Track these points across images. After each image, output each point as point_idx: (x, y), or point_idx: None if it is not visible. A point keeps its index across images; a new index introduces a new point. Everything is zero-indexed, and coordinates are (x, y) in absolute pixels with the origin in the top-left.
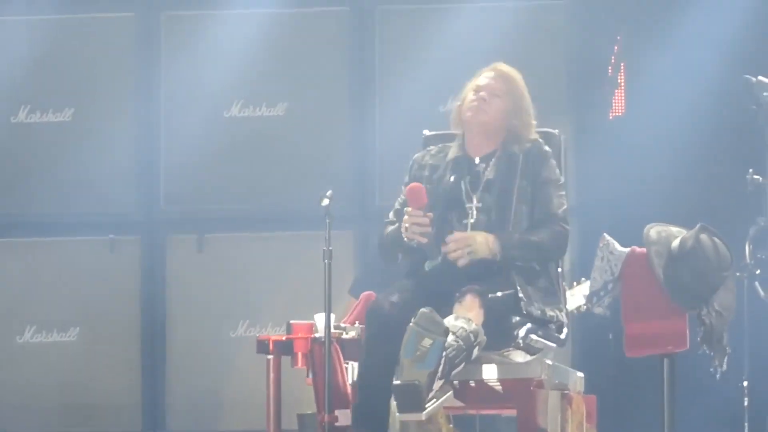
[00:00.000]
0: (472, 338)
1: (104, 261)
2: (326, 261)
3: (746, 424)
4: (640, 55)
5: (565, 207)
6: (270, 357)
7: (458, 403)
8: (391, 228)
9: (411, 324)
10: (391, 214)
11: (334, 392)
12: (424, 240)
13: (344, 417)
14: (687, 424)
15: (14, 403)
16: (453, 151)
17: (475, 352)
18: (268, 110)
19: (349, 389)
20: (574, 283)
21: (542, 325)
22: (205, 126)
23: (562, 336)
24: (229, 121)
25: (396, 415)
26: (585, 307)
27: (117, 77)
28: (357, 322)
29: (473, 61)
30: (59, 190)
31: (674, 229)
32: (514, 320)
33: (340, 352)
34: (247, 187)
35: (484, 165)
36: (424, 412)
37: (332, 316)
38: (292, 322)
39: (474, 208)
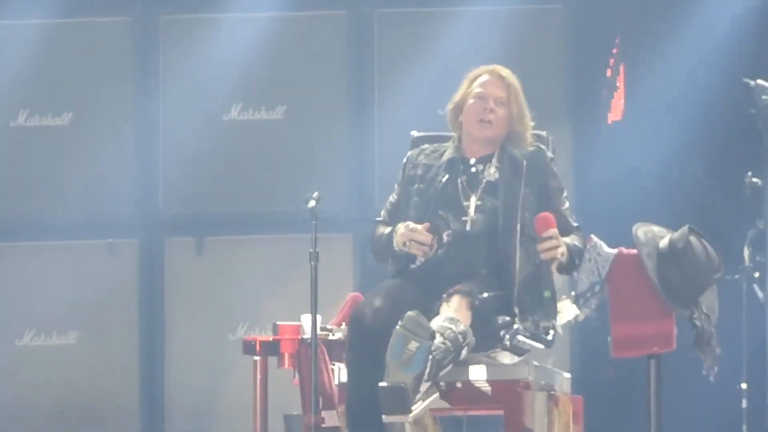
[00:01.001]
0: (461, 339)
1: (103, 264)
2: (312, 263)
3: (744, 426)
4: (639, 58)
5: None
6: (257, 358)
7: (445, 405)
8: (382, 231)
9: (397, 327)
10: (383, 213)
11: (321, 393)
12: (420, 255)
13: (330, 418)
14: (685, 427)
15: (13, 405)
16: (448, 153)
17: (464, 353)
18: (267, 113)
19: (335, 390)
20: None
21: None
22: (203, 129)
23: (549, 337)
24: (227, 124)
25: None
26: (577, 318)
27: (116, 81)
28: (344, 323)
29: (471, 65)
30: (58, 194)
31: (656, 228)
32: (500, 321)
33: (326, 353)
34: (245, 190)
35: (481, 166)
36: (411, 414)
37: (319, 318)
38: (278, 323)
39: (472, 206)
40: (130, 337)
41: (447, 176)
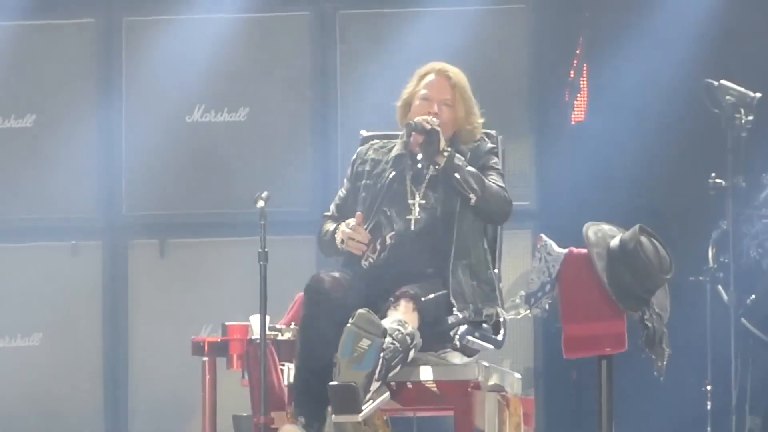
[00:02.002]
0: (409, 340)
1: (67, 266)
2: (261, 263)
3: (709, 428)
4: (602, 59)
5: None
6: (205, 359)
7: (396, 405)
8: (329, 227)
9: (348, 324)
10: (332, 207)
11: (270, 394)
12: (358, 253)
13: (280, 419)
14: (649, 428)
15: None
16: (396, 148)
17: (412, 354)
18: (230, 115)
19: (285, 391)
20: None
21: (479, 326)
22: (166, 131)
23: (499, 337)
24: (190, 126)
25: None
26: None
27: (78, 83)
28: (293, 323)
29: None
30: (21, 196)
31: (606, 227)
32: (450, 321)
33: (275, 353)
34: (209, 192)
35: (427, 162)
36: (361, 414)
37: (268, 318)
38: (227, 323)
39: (417, 205)
40: (94, 339)
41: (394, 172)
